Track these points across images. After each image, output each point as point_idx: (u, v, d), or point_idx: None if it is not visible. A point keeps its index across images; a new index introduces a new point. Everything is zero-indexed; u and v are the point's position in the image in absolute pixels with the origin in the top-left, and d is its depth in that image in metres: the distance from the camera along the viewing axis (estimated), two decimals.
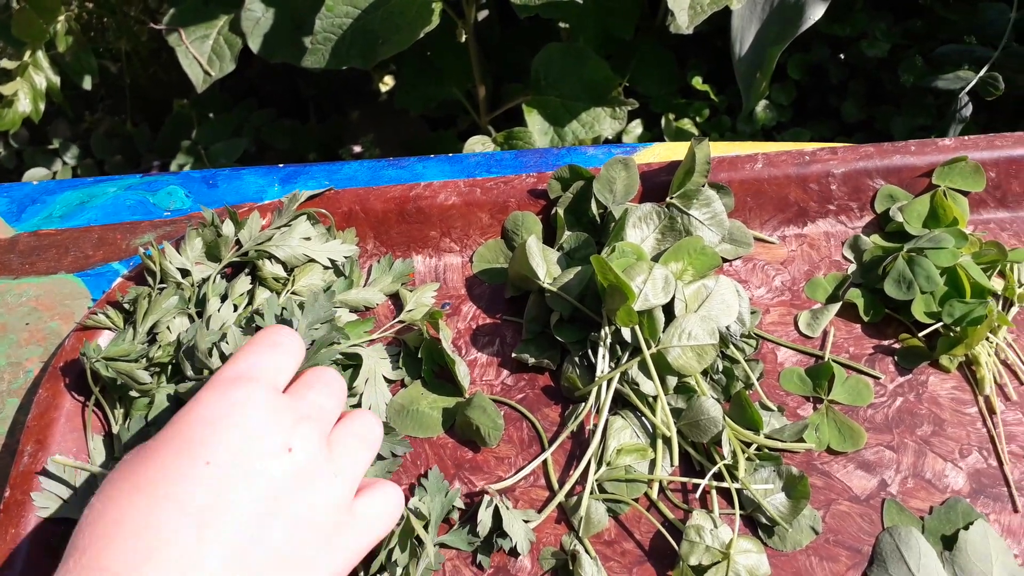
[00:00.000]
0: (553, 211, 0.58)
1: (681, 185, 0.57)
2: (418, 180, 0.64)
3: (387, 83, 1.62)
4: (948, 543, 0.46)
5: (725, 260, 0.58)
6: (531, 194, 0.59)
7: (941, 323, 0.52)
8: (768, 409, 0.51)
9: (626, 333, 0.51)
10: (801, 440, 0.49)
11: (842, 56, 1.42)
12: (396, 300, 0.58)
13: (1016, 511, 0.47)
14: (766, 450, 0.49)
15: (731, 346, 0.53)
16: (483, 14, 1.55)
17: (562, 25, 1.38)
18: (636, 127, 1.42)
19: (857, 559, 0.46)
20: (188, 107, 1.51)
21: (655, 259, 0.54)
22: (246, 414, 0.38)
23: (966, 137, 0.58)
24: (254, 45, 1.18)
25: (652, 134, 1.39)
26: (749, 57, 1.30)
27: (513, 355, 0.54)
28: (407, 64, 1.36)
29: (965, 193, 0.58)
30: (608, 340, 0.52)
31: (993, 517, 0.47)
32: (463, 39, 1.18)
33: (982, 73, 1.21)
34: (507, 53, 1.47)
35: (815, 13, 1.17)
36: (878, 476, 0.49)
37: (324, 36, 1.08)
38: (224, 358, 0.49)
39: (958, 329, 0.51)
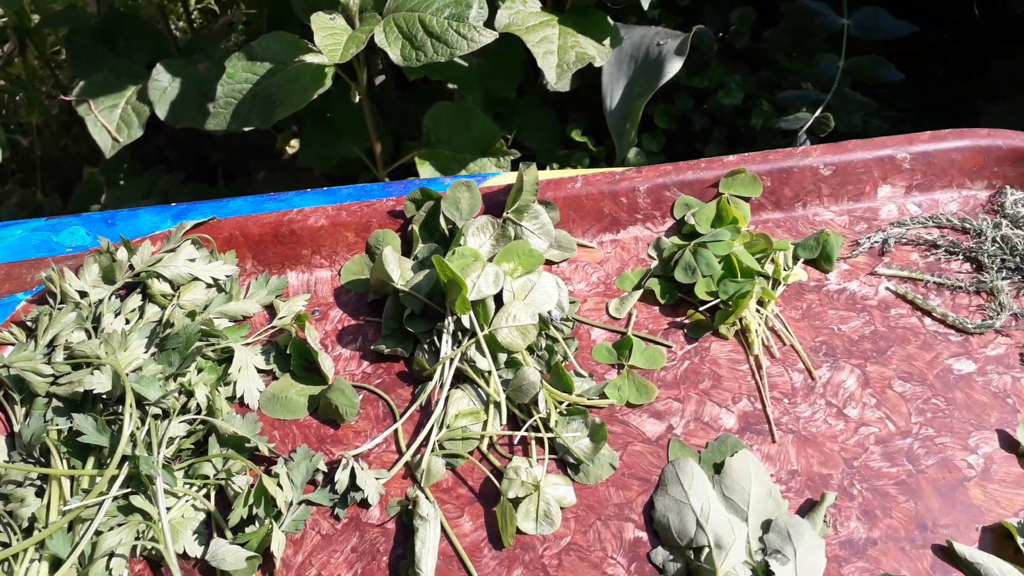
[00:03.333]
0: (409, 228, 0.69)
1: (514, 202, 0.68)
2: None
3: (293, 146, 1.72)
4: (718, 469, 0.56)
5: (553, 262, 0.69)
6: (391, 215, 0.70)
7: (719, 299, 0.64)
8: (581, 376, 0.62)
9: (465, 321, 0.61)
10: (604, 397, 0.60)
11: (705, 106, 1.59)
12: (272, 311, 0.67)
13: (774, 441, 0.58)
14: (577, 407, 0.59)
15: (552, 328, 0.63)
16: (381, 78, 1.69)
17: (451, 86, 1.52)
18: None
19: (646, 487, 0.56)
20: (97, 175, 1.58)
21: (491, 261, 0.65)
22: None
23: (747, 153, 0.71)
24: (161, 112, 1.28)
25: None
26: (619, 109, 1.45)
27: (372, 348, 0.64)
28: (308, 125, 1.47)
29: (747, 199, 0.71)
30: (451, 327, 0.62)
31: (756, 447, 0.58)
32: (357, 100, 1.29)
33: (817, 114, 1.38)
34: (404, 113, 1.60)
35: (672, 68, 1.33)
36: (666, 422, 0.59)
37: (226, 101, 1.18)
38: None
39: (731, 303, 0.63)
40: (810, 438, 0.58)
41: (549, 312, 0.63)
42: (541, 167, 1.57)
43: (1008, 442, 0.57)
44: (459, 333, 0.62)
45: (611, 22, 1.33)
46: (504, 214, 0.68)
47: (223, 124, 1.20)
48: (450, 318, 0.62)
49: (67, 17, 1.44)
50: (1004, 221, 0.68)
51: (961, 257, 0.68)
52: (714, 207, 0.70)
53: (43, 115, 1.68)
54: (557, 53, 1.25)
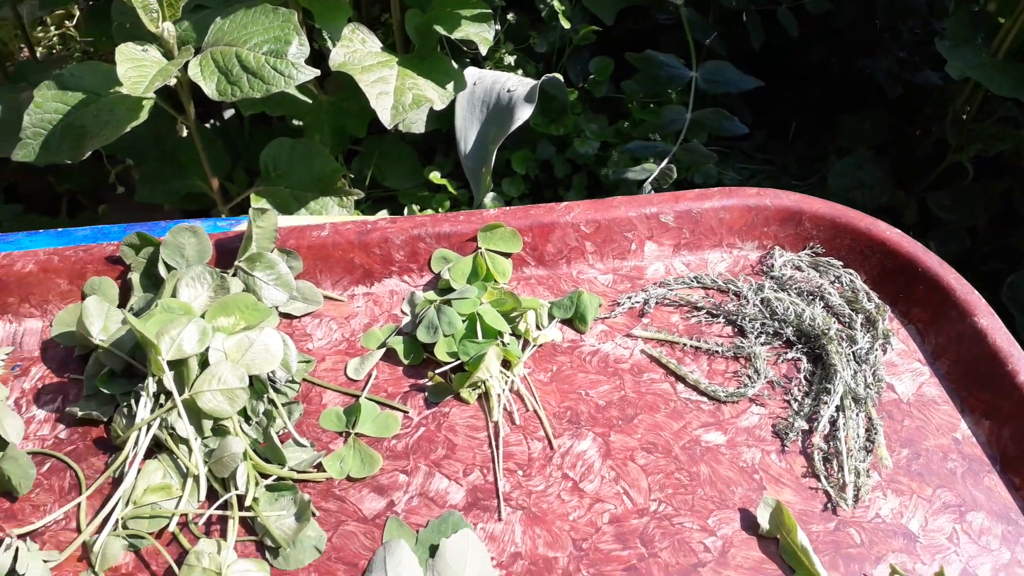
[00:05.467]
0: (128, 276, 0.63)
1: (246, 250, 0.63)
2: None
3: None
4: (435, 551, 0.51)
5: (294, 316, 0.64)
6: (109, 261, 0.63)
7: (459, 360, 0.59)
8: (302, 445, 0.56)
9: (168, 382, 0.55)
10: (321, 469, 0.54)
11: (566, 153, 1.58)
12: None
13: (500, 519, 0.53)
14: (287, 482, 0.53)
15: (272, 390, 0.58)
16: (231, 112, 1.62)
17: (296, 122, 1.47)
18: (382, 216, 1.50)
19: (353, 572, 0.50)
20: None
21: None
22: None
23: (507, 208, 0.68)
24: None
25: None
26: (474, 154, 1.42)
27: (66, 410, 0.57)
28: (147, 159, 1.39)
29: (508, 254, 0.67)
30: (151, 390, 0.55)
31: (480, 526, 0.53)
32: (184, 134, 1.23)
33: (663, 165, 1.38)
34: (258, 147, 1.54)
35: (522, 115, 1.30)
36: (388, 497, 0.54)
37: (34, 131, 1.09)
38: None
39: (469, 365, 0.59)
40: (540, 515, 0.54)
41: (272, 373, 0.58)
42: (400, 208, 1.52)
43: (750, 522, 0.54)
44: (163, 396, 0.56)
45: (454, 66, 1.30)
46: (236, 263, 0.62)
47: (31, 156, 1.12)
48: (151, 379, 0.56)
49: None
50: (767, 284, 0.66)
51: (723, 320, 0.65)
52: (470, 262, 0.66)
53: None
54: (393, 94, 1.21)
